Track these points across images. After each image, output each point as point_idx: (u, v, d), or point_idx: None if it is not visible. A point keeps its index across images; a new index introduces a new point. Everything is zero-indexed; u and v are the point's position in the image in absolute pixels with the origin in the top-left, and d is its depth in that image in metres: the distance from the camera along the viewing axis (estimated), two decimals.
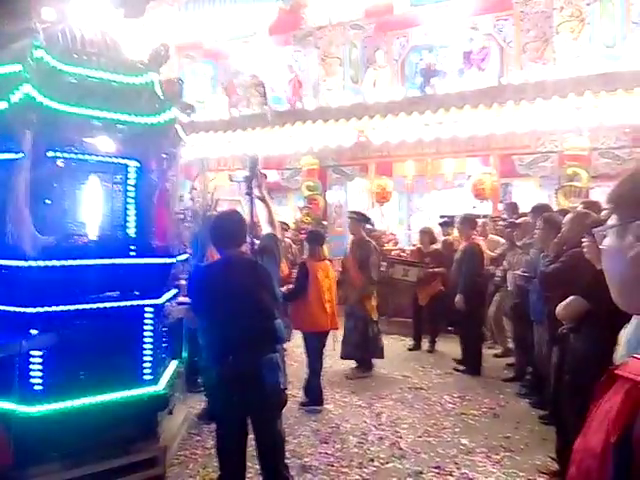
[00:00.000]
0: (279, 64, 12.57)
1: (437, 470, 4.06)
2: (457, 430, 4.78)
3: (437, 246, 7.90)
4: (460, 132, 9.44)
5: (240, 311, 3.41)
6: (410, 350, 7.48)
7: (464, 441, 4.55)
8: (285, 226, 10.38)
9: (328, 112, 10.70)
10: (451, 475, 3.98)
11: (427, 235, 8.02)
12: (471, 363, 6.42)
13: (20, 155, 3.13)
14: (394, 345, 7.62)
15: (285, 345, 6.44)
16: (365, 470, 4.08)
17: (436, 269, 7.53)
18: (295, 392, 5.69)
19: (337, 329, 5.76)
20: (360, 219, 6.66)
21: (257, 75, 12.88)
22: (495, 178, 9.97)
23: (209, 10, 12.99)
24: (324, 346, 5.51)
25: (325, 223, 10.41)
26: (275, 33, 12.33)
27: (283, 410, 3.82)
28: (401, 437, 4.67)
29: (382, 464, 4.18)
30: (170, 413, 4.09)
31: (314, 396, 5.34)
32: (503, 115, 8.61)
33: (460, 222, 6.91)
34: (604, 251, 1.04)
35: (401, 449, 4.44)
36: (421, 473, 4.01)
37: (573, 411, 3.28)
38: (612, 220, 1.03)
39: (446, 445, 4.49)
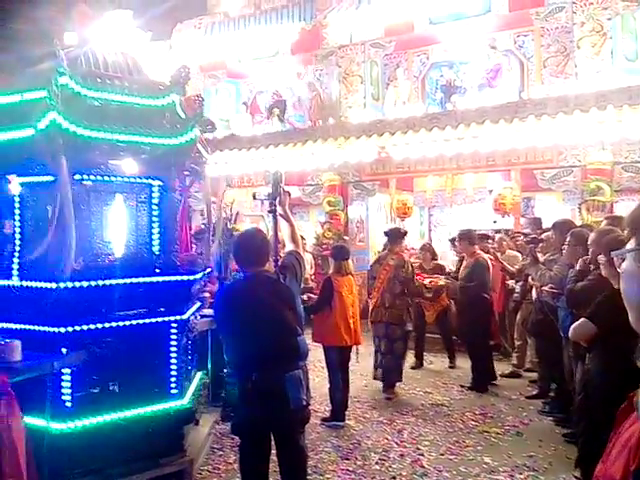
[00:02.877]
0: (301, 83, 12.77)
1: None
2: (480, 448, 4.75)
3: (440, 262, 8.05)
4: (481, 147, 9.45)
5: (263, 328, 3.47)
6: (413, 369, 7.29)
7: (487, 460, 4.52)
8: (303, 241, 10.50)
9: (349, 129, 10.81)
10: None
11: (428, 251, 8.10)
12: (478, 380, 6.40)
13: (50, 178, 3.27)
14: (412, 360, 7.59)
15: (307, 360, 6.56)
16: None
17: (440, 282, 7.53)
18: (317, 407, 5.73)
19: (359, 344, 5.78)
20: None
21: (279, 93, 13.11)
22: (517, 192, 9.93)
23: (233, 32, 13.30)
24: (348, 361, 5.54)
25: (346, 238, 10.46)
26: (297, 53, 12.55)
27: (305, 426, 3.87)
28: (423, 455, 4.65)
29: None
30: (196, 424, 4.16)
31: (336, 412, 5.35)
32: (524, 130, 8.59)
33: (458, 239, 6.96)
34: (622, 275, 1.04)
35: (423, 467, 4.42)
36: None
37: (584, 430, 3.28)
38: (630, 244, 1.03)
39: (469, 464, 4.46)
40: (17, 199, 3.54)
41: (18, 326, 3.27)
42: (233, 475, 4.11)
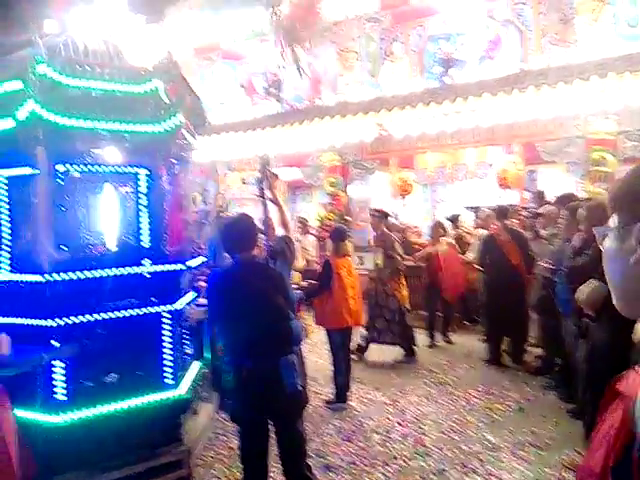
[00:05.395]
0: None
1: (461, 467, 4.02)
2: (482, 426, 4.73)
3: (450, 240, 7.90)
4: (481, 121, 9.29)
5: (255, 314, 3.43)
6: (429, 347, 7.33)
7: (489, 437, 4.50)
8: (304, 222, 10.45)
9: (347, 107, 10.65)
10: (475, 472, 3.94)
11: (439, 228, 7.89)
12: (491, 353, 6.37)
13: (34, 171, 3.21)
14: (418, 338, 7.55)
15: (311, 341, 6.55)
16: (389, 468, 4.08)
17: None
18: (320, 389, 5.73)
19: (361, 325, 5.76)
20: (380, 216, 6.78)
21: (275, 73, 12.92)
22: (520, 166, 9.78)
23: (226, 11, 13.07)
24: (350, 342, 5.52)
25: (349, 219, 10.38)
26: None
27: (306, 409, 3.85)
28: (425, 434, 4.64)
29: (406, 462, 4.17)
30: (195, 414, 4.15)
31: (338, 393, 5.35)
32: (525, 102, 8.41)
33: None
34: (604, 252, 1.00)
35: (425, 446, 4.41)
36: (445, 471, 3.98)
37: (591, 402, 3.24)
38: (612, 222, 0.98)
39: (470, 441, 4.44)
40: (2, 192, 3.49)
41: (8, 320, 3.25)
42: (236, 460, 4.09)
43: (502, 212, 6.43)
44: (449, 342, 7.48)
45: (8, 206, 3.49)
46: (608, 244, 0.98)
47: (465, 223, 9.40)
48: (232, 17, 12.81)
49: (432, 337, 7.40)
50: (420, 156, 10.75)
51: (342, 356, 5.34)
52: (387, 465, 4.13)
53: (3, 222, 3.49)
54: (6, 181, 3.48)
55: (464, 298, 7.86)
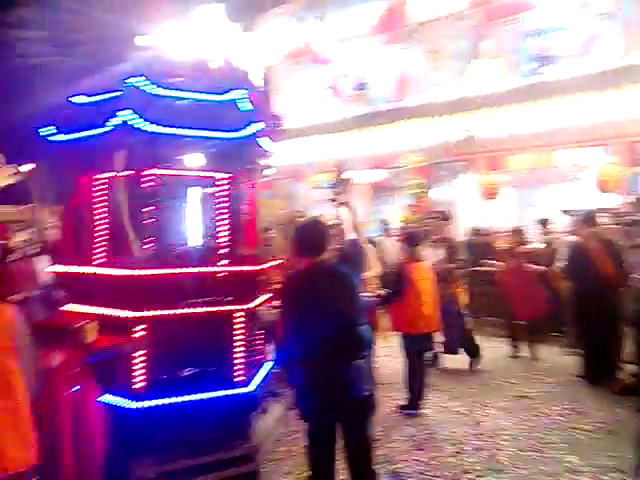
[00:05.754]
0: (385, 63, 12.51)
1: None
2: (564, 446, 4.46)
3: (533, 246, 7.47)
4: (577, 120, 8.77)
5: (322, 318, 3.47)
6: (513, 357, 7.00)
7: (570, 458, 4.23)
8: (385, 225, 10.37)
9: (433, 108, 10.47)
10: None
11: (518, 236, 7.31)
12: (587, 371, 5.96)
13: (124, 174, 3.47)
14: (496, 347, 7.24)
15: (388, 345, 6.48)
16: None
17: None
18: (395, 394, 5.67)
19: (437, 331, 5.64)
20: (441, 218, 6.88)
21: (363, 76, 12.95)
22: (621, 168, 9.10)
23: (316, 16, 13.29)
24: (424, 349, 5.42)
25: (431, 221, 10.16)
26: (380, 32, 12.29)
27: (377, 414, 3.85)
28: (501, 449, 4.46)
29: (477, 477, 4.03)
30: (265, 411, 4.27)
31: (412, 400, 5.27)
32: (625, 99, 7.83)
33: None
34: None
35: (499, 462, 4.24)
36: None
37: None
38: None
39: (549, 462, 4.20)
40: (103, 194, 3.80)
41: (95, 310, 3.53)
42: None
43: (589, 218, 6.00)
44: (535, 357, 6.95)
45: (107, 207, 3.79)
46: None
47: (556, 227, 8.89)
48: (320, 22, 13.00)
49: (515, 347, 7.07)
50: (509, 157, 10.30)
51: (415, 362, 5.25)
52: (456, 478, 4.01)
53: (102, 222, 3.79)
54: (106, 184, 3.78)
55: (550, 311, 7.32)
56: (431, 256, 6.56)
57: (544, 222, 8.41)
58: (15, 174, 9.62)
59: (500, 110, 9.62)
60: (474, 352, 6.60)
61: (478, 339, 6.82)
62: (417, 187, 10.81)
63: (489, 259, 7.78)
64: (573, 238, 6.63)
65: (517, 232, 7.37)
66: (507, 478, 3.99)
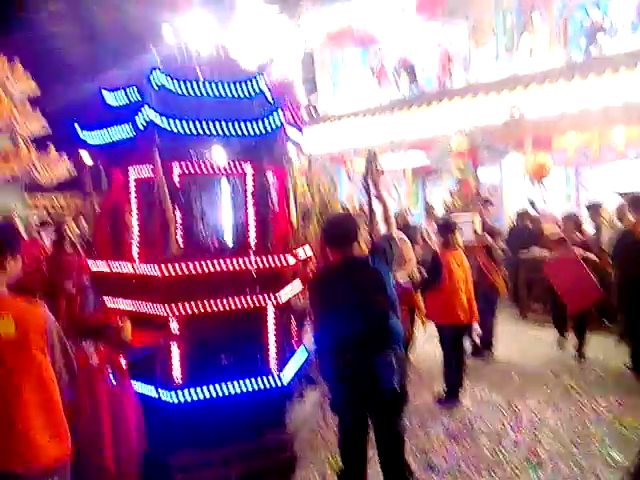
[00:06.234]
0: (428, 42, 12.17)
1: None
2: (607, 441, 4.30)
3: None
4: (633, 96, 8.27)
5: (352, 311, 3.46)
6: (558, 347, 6.66)
7: (614, 454, 4.08)
8: (430, 209, 10.17)
9: (479, 87, 10.12)
10: None
11: (572, 222, 6.73)
12: (636, 362, 5.69)
13: (152, 173, 3.54)
14: (541, 337, 7.02)
15: (426, 333, 6.41)
16: (495, 476, 3.90)
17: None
18: (433, 383, 5.62)
19: (475, 321, 5.53)
20: (484, 203, 6.48)
21: (406, 57, 12.66)
22: None
23: None
24: (462, 339, 5.33)
25: (475, 205, 9.90)
26: (423, 9, 11.94)
27: (407, 408, 3.81)
28: (540, 443, 4.35)
29: (515, 472, 3.95)
30: (301, 399, 4.32)
31: (449, 391, 5.21)
32: None
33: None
34: None
35: (539, 457, 4.14)
36: None
37: None
38: None
39: (592, 457, 4.07)
40: (132, 190, 3.89)
41: (131, 304, 3.65)
42: None
43: (636, 202, 5.66)
44: (582, 347, 6.41)
45: (137, 204, 3.89)
46: None
47: (609, 211, 8.48)
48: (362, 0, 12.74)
49: (562, 337, 6.80)
50: (560, 137, 9.86)
51: (453, 353, 5.18)
52: (493, 472, 3.95)
53: (134, 219, 3.89)
54: (135, 183, 3.88)
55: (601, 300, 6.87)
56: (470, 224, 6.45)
57: (596, 206, 8.03)
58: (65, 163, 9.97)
59: (550, 87, 9.18)
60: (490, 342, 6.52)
61: (523, 328, 6.63)
62: (462, 170, 10.52)
63: (537, 245, 7.51)
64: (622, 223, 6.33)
65: (570, 218, 6.88)
66: (545, 474, 3.89)
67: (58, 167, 13.00)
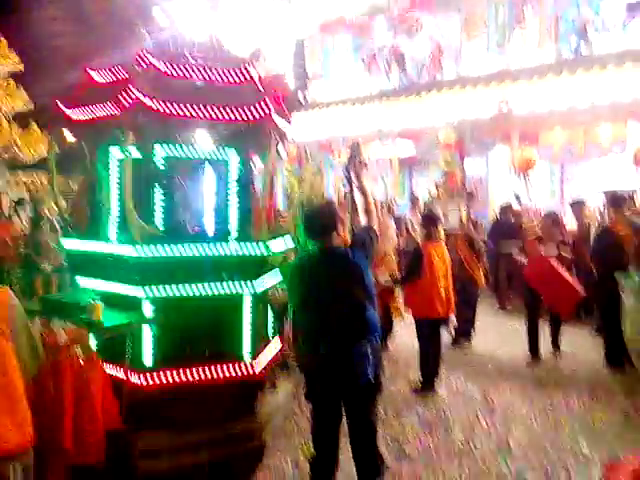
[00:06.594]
0: (419, 34, 12.12)
1: (544, 476, 3.78)
2: (578, 433, 4.37)
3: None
4: (620, 94, 8.34)
5: (329, 302, 3.48)
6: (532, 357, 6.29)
7: (583, 446, 4.16)
8: (415, 201, 10.21)
9: (468, 80, 10.13)
10: None
11: (550, 220, 6.44)
12: (611, 356, 5.80)
13: (132, 154, 3.50)
14: (519, 330, 7.06)
15: (405, 323, 6.46)
16: (465, 466, 3.95)
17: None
18: (410, 373, 5.67)
19: (452, 313, 5.59)
20: (468, 196, 6.56)
21: (397, 47, 12.60)
22: None
23: None
24: (439, 332, 5.38)
25: (461, 197, 9.96)
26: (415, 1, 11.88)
27: (380, 398, 3.85)
28: (512, 434, 4.42)
29: (485, 462, 4.01)
30: (274, 387, 4.35)
31: (425, 382, 5.26)
32: None
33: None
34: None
35: (509, 447, 4.21)
36: (524, 477, 3.77)
37: None
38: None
39: (561, 449, 4.14)
40: (116, 173, 3.85)
41: (107, 286, 3.63)
42: None
43: (616, 200, 5.71)
44: (557, 344, 6.36)
45: (118, 184, 3.85)
46: (625, 297, 0.86)
47: (592, 210, 8.59)
48: None
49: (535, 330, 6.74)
50: (546, 132, 9.91)
51: (430, 345, 5.22)
52: (464, 462, 4.00)
53: (112, 198, 3.86)
54: (118, 163, 3.83)
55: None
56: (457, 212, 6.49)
57: (579, 203, 8.11)
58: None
59: (539, 82, 9.22)
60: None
61: (502, 319, 6.72)
62: (448, 162, 10.55)
63: (515, 239, 7.55)
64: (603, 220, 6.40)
65: (549, 216, 6.60)
66: (514, 464, 3.96)
67: (40, 145, 12.78)
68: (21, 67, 12.65)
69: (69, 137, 4.30)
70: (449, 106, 10.21)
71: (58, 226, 6.78)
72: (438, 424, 4.63)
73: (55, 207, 7.73)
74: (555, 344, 6.35)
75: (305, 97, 13.68)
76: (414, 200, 10.37)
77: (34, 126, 13.25)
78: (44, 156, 13.36)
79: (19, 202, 8.39)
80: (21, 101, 12.56)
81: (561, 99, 8.93)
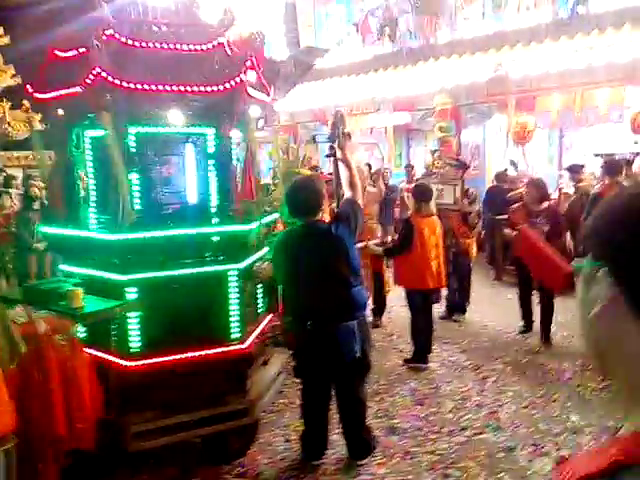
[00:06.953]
0: None
1: (532, 448, 3.78)
2: (568, 405, 4.38)
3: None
4: (618, 56, 8.11)
5: (314, 279, 3.43)
6: (522, 333, 6.03)
7: (573, 418, 4.16)
8: (410, 170, 10.07)
9: (463, 45, 9.87)
10: (547, 455, 3.68)
11: (536, 188, 5.77)
12: None
13: (103, 133, 3.38)
14: (515, 298, 7.02)
15: (397, 296, 6.42)
16: (454, 439, 3.96)
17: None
18: (403, 347, 5.66)
19: (443, 287, 5.55)
20: (459, 166, 6.67)
21: (390, 10, 12.26)
22: None
23: None
24: (430, 304, 5.34)
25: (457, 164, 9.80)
26: None
27: (369, 374, 3.84)
28: (502, 406, 4.42)
29: (474, 434, 4.01)
30: (265, 364, 4.32)
31: (417, 354, 5.25)
32: None
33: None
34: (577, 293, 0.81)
35: (498, 420, 4.21)
36: (513, 449, 3.77)
37: None
38: (586, 260, 0.79)
39: (551, 421, 4.14)
40: (87, 153, 3.74)
41: (89, 272, 3.56)
42: None
43: (612, 167, 5.55)
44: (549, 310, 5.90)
45: (93, 166, 3.74)
46: (579, 287, 0.79)
47: (590, 175, 8.45)
48: None
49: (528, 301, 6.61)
50: (543, 98, 9.70)
51: (421, 318, 5.19)
52: (454, 435, 4.01)
53: (88, 181, 3.76)
54: (90, 142, 3.71)
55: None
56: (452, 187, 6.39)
57: (576, 167, 7.96)
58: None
59: (536, 46, 8.98)
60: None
61: (498, 290, 6.67)
62: (444, 129, 10.36)
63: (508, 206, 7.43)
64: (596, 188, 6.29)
65: (532, 184, 5.97)
66: (504, 436, 3.96)
67: (32, 123, 12.56)
68: (6, 40, 12.34)
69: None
70: (444, 71, 9.98)
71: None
72: (430, 397, 4.63)
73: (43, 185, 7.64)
74: (545, 327, 5.76)
75: (296, 65, 13.37)
76: (409, 169, 10.21)
77: (26, 104, 13.01)
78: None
79: (6, 181, 8.26)
80: (6, 75, 12.28)
81: (557, 62, 8.71)
